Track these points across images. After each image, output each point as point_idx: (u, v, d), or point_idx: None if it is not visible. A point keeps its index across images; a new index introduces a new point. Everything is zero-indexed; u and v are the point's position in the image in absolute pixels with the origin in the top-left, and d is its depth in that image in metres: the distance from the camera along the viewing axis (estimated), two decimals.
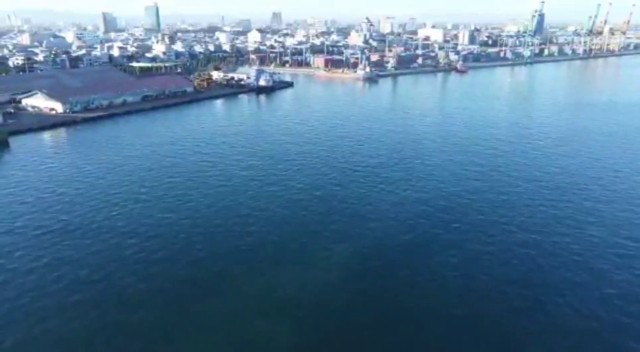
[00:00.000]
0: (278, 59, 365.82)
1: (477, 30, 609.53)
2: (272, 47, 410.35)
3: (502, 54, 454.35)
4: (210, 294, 65.51)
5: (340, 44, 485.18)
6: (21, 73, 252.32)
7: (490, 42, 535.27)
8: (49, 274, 70.28)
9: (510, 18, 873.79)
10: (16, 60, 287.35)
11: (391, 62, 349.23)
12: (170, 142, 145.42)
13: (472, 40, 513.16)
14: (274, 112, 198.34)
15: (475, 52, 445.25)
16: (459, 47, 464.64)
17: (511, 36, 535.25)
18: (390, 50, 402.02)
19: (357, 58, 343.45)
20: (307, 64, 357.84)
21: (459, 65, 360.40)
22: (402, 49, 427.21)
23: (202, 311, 62.01)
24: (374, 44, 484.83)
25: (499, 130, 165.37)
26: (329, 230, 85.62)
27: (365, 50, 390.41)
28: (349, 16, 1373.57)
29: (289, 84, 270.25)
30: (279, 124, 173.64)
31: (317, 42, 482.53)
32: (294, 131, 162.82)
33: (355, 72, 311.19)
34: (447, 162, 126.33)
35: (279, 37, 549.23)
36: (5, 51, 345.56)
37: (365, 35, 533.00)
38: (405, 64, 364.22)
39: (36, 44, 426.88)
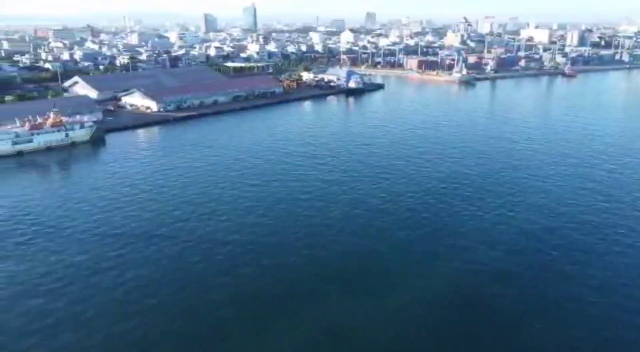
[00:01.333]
0: (370, 60, 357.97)
1: (589, 30, 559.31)
2: (364, 47, 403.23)
3: (617, 57, 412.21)
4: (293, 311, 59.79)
5: (435, 44, 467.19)
6: (124, 72, 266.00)
7: (602, 43, 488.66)
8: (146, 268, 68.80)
9: (623, 16, 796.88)
10: (122, 59, 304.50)
11: (490, 65, 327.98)
12: (257, 144, 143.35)
13: (582, 41, 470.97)
14: (362, 116, 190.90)
15: (586, 54, 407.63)
16: (567, 49, 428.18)
17: (629, 37, 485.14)
18: (489, 52, 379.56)
19: (453, 60, 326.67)
20: (400, 66, 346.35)
21: (567, 68, 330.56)
22: (502, 50, 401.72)
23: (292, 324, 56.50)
24: (472, 45, 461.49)
25: (614, 147, 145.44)
26: (416, 250, 77.02)
27: (462, 52, 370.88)
28: (446, 16, 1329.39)
29: (380, 86, 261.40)
30: (366, 127, 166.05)
31: (411, 42, 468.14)
32: (382, 136, 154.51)
33: (451, 74, 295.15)
34: (557, 178, 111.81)
35: (372, 37, 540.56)
36: (114, 51, 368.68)
37: (462, 36, 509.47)
38: (505, 66, 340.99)
39: (143, 43, 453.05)
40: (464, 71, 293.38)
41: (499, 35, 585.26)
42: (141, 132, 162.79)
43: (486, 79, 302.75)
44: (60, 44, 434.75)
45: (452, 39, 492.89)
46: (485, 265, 73.24)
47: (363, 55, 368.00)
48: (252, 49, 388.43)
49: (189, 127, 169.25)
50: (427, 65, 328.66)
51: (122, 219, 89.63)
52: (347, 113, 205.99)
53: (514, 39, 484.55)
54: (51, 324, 59.47)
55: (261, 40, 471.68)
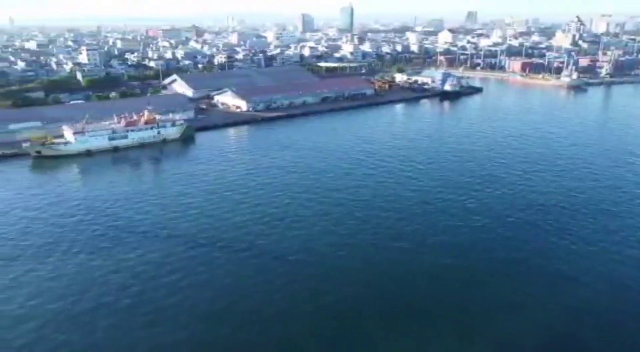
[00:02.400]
0: (468, 62, 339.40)
1: None
2: (463, 48, 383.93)
3: None
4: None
5: (541, 45, 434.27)
6: (219, 71, 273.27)
7: None
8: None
9: None
10: (220, 58, 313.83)
11: (605, 68, 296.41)
12: (343, 147, 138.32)
13: None
14: (457, 121, 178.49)
15: None
16: None
17: None
18: (604, 54, 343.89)
19: (561, 62, 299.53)
20: (501, 68, 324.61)
21: None
22: (620, 52, 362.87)
23: None
24: (584, 46, 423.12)
25: None
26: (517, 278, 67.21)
27: (573, 54, 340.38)
28: (555, 14, 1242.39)
29: (478, 90, 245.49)
30: (461, 135, 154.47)
31: (515, 43, 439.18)
32: (478, 143, 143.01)
33: (559, 78, 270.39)
34: None
35: (472, 37, 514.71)
36: (214, 50, 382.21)
37: (573, 36, 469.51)
38: (623, 70, 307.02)
39: (241, 43, 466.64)
40: (575, 75, 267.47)
41: (616, 35, 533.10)
42: (229, 131, 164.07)
43: (600, 84, 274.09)
44: (166, 43, 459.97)
45: (561, 40, 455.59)
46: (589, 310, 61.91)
47: (461, 57, 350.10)
48: (346, 49, 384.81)
49: (276, 127, 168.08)
50: (531, 68, 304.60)
51: (200, 219, 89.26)
52: (440, 118, 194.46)
53: (634, 39, 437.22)
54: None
55: (356, 40, 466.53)
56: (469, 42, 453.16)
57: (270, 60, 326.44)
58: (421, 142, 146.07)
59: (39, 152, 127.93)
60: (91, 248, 78.48)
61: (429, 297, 64.69)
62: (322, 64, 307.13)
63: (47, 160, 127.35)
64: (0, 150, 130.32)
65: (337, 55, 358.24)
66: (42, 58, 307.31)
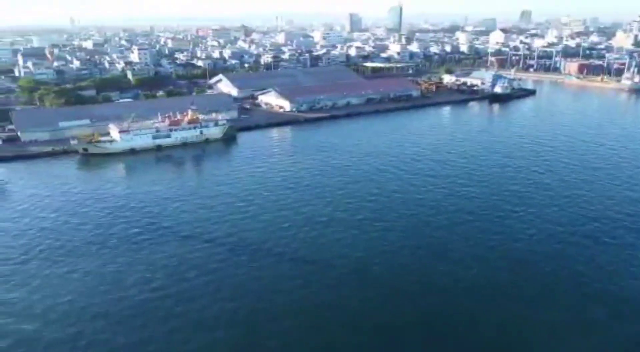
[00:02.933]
0: (521, 63, 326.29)
1: None
2: (515, 49, 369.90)
3: None
4: None
5: (600, 46, 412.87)
6: (264, 70, 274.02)
7: None
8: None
9: None
10: (266, 58, 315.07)
11: None
12: (385, 150, 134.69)
13: None
14: (507, 126, 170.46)
15: None
16: None
17: None
18: None
19: (622, 64, 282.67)
20: (556, 70, 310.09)
21: None
22: None
23: None
24: None
25: None
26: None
27: (635, 55, 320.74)
28: (615, 13, 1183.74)
29: (530, 92, 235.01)
30: (511, 140, 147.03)
31: (572, 44, 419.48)
32: (530, 149, 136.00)
33: (619, 81, 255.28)
34: None
35: (526, 38, 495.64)
36: (261, 49, 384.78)
37: (635, 36, 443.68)
38: None
39: (288, 43, 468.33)
40: (637, 78, 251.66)
41: None
42: (272, 132, 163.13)
43: None
44: (215, 43, 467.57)
45: (622, 40, 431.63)
46: None
47: (513, 58, 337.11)
48: (393, 49, 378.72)
49: (319, 128, 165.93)
50: (589, 70, 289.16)
51: (239, 220, 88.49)
52: (490, 121, 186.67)
53: None
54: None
55: (403, 40, 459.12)
56: (522, 42, 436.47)
57: (316, 60, 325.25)
58: (469, 146, 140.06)
59: (85, 149, 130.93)
60: (129, 246, 78.74)
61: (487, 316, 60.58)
62: (368, 64, 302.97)
63: (93, 158, 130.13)
64: (50, 147, 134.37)
65: (383, 55, 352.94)
66: (96, 57, 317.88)
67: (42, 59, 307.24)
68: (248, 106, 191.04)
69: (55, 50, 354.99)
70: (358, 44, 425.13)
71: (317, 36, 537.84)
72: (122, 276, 70.24)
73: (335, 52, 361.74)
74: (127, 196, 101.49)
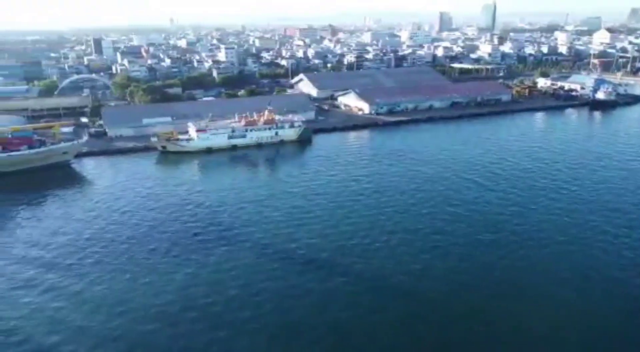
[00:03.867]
0: (629, 66, 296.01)
1: None
2: (623, 50, 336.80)
3: None
4: None
5: None
6: (345, 71, 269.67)
7: None
8: None
9: None
10: (349, 57, 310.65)
11: None
12: (467, 159, 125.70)
13: None
14: (611, 137, 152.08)
15: None
16: None
17: None
18: None
19: None
20: None
21: None
22: None
23: None
24: None
25: None
26: None
27: None
28: None
29: (639, 99, 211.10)
30: (617, 154, 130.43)
31: None
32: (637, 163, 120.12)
33: None
34: None
35: (635, 38, 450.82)
36: (345, 49, 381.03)
37: None
38: None
39: (374, 42, 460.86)
40: None
41: None
42: (348, 135, 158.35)
43: None
44: (300, 42, 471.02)
45: None
46: None
47: (620, 60, 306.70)
48: (484, 49, 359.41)
49: (397, 132, 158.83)
50: None
51: (307, 227, 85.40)
52: (590, 131, 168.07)
53: None
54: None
55: (495, 40, 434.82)
56: (630, 43, 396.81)
57: (400, 60, 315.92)
58: (565, 159, 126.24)
59: (164, 147, 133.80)
60: (199, 249, 77.76)
61: None
62: (456, 65, 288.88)
63: (171, 155, 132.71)
64: (132, 143, 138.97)
65: (473, 56, 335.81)
66: (187, 55, 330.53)
67: (138, 57, 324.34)
68: (326, 107, 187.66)
69: (151, 49, 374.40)
70: (446, 43, 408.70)
71: (404, 36, 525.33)
72: (182, 283, 68.67)
73: (422, 52, 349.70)
74: (198, 197, 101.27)
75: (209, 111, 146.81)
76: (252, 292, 65.90)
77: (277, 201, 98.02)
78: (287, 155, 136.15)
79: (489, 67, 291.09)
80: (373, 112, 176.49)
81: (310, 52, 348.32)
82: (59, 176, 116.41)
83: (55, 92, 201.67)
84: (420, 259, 74.35)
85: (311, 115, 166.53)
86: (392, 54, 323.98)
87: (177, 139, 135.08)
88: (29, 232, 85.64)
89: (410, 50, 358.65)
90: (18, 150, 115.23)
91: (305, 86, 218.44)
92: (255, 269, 71.86)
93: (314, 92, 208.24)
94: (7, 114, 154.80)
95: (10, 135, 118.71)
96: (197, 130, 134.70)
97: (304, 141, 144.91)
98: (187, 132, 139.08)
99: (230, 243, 79.98)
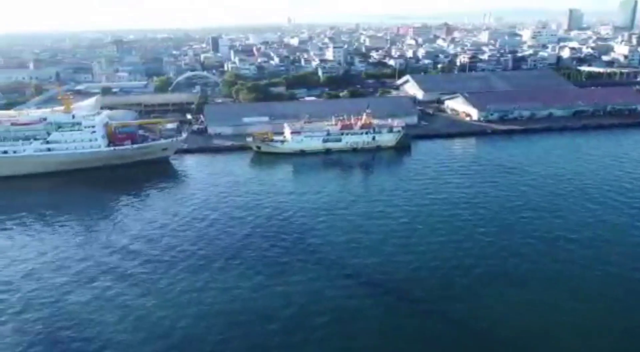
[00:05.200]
0: None
1: None
2: None
3: None
4: None
5: None
6: (455, 72, 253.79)
7: None
8: None
9: None
10: (462, 58, 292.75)
11: None
12: (590, 179, 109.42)
13: None
14: None
15: None
16: None
17: None
18: None
19: None
20: None
21: None
22: None
23: None
24: None
25: None
26: None
27: None
28: None
29: None
30: None
31: None
32: None
33: None
34: None
35: None
36: (458, 49, 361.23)
37: None
38: None
39: (491, 42, 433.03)
40: None
41: None
42: (452, 143, 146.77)
43: None
44: (412, 41, 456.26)
45: None
46: None
47: None
48: (619, 50, 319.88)
49: (508, 143, 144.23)
50: None
51: (392, 246, 78.18)
52: None
53: None
54: None
55: (634, 40, 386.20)
56: None
57: (518, 61, 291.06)
58: None
59: (259, 147, 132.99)
60: (267, 262, 73.82)
61: None
62: (583, 69, 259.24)
63: (265, 156, 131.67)
64: (230, 142, 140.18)
65: (605, 58, 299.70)
66: (297, 54, 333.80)
67: (250, 55, 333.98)
68: (431, 111, 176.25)
69: (262, 47, 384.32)
70: (574, 44, 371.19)
71: (525, 35, 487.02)
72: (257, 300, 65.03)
73: (544, 53, 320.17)
74: (287, 203, 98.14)
75: (307, 112, 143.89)
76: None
77: (368, 213, 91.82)
78: (383, 163, 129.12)
79: (625, 71, 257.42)
80: (482, 118, 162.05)
81: (421, 52, 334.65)
82: (156, 171, 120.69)
83: (169, 89, 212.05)
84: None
85: (413, 119, 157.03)
86: (509, 55, 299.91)
87: (272, 140, 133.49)
88: (128, 223, 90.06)
89: (531, 51, 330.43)
90: (122, 144, 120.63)
91: (411, 88, 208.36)
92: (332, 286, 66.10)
93: (419, 94, 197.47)
94: (124, 109, 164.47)
95: (118, 131, 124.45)
96: (292, 132, 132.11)
97: (402, 148, 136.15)
98: (282, 132, 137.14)
99: (315, 253, 75.73)
